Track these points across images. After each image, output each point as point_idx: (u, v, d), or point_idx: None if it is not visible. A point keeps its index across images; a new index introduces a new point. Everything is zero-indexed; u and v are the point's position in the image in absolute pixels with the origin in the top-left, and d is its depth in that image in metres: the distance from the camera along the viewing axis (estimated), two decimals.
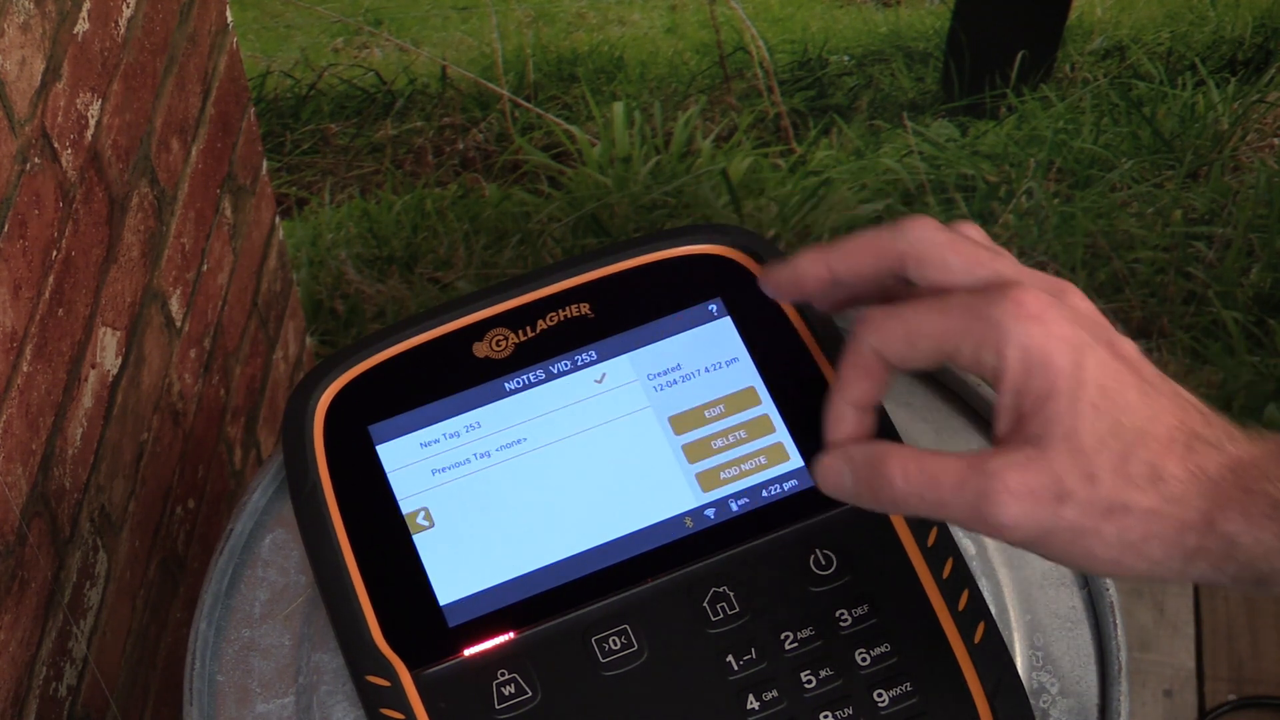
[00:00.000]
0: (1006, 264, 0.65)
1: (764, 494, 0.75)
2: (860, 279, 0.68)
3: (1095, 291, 1.46)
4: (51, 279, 0.97)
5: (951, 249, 0.66)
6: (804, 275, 0.69)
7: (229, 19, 1.28)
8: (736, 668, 0.71)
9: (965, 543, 0.79)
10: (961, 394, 0.86)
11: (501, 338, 0.79)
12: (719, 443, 0.77)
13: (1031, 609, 0.79)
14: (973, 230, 0.68)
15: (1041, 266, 1.45)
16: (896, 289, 0.69)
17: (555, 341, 0.78)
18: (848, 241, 0.68)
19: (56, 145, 0.97)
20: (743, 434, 0.77)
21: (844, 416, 0.69)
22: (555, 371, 0.78)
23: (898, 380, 0.87)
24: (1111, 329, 0.64)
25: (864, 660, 0.72)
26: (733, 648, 0.72)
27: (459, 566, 0.74)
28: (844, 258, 0.68)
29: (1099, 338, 0.63)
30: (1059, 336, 0.62)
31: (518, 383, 0.78)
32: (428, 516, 0.75)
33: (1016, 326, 0.62)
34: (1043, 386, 0.62)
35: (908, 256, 0.66)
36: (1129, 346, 0.64)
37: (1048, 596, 0.79)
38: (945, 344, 0.64)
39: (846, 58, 1.33)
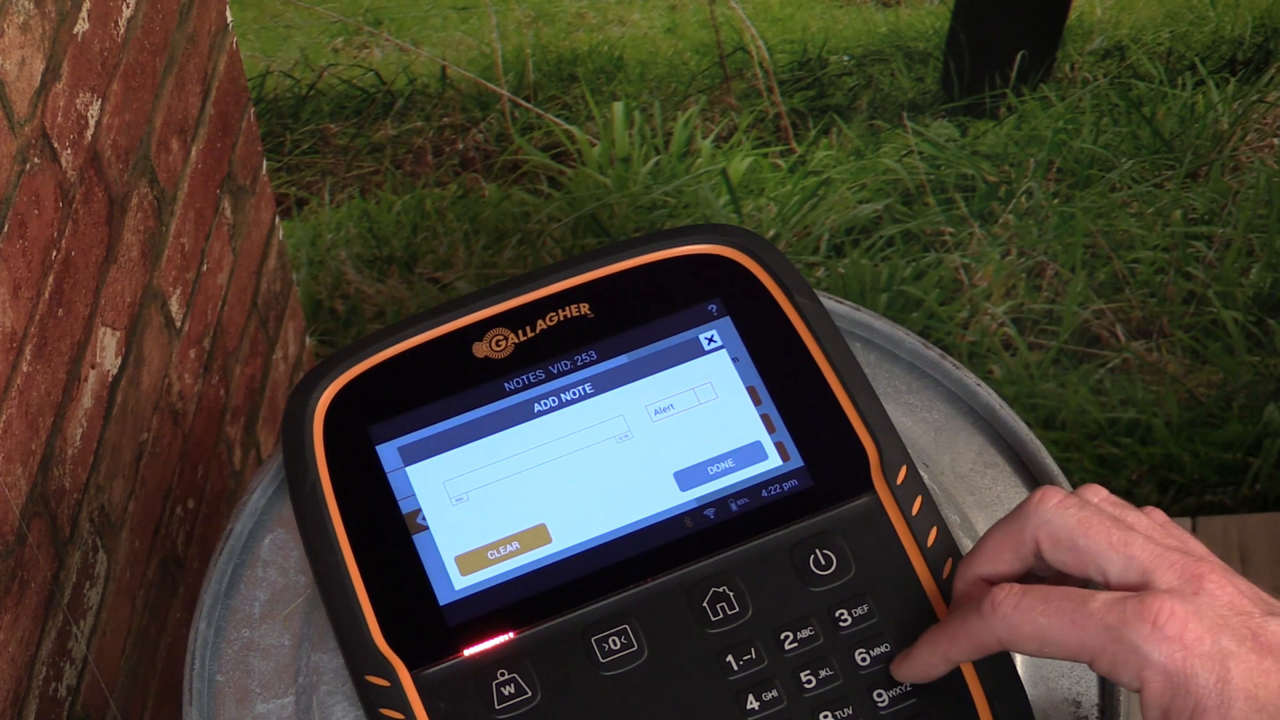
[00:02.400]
0: (1138, 545, 0.65)
1: (764, 494, 0.75)
2: (1004, 578, 0.69)
3: (1095, 291, 1.46)
4: (51, 279, 0.97)
5: (1082, 530, 0.66)
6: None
7: (229, 19, 1.28)
8: (736, 668, 0.71)
9: (965, 543, 0.79)
10: (962, 394, 0.86)
11: (501, 338, 0.79)
12: (719, 442, 0.77)
13: None
14: (1096, 494, 0.68)
15: (1041, 267, 1.45)
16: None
17: (555, 341, 0.78)
18: (984, 547, 0.69)
19: (56, 145, 0.97)
20: (743, 434, 0.77)
21: (934, 668, 0.70)
22: (555, 371, 0.78)
23: (897, 379, 0.87)
24: (1258, 609, 0.64)
25: (864, 660, 0.72)
26: (733, 648, 0.72)
27: (458, 566, 0.74)
28: (988, 563, 0.68)
29: (1242, 635, 0.63)
30: (1200, 654, 0.62)
31: (517, 383, 0.78)
32: (427, 516, 0.75)
33: (1155, 650, 0.62)
34: (1187, 705, 0.62)
35: (1040, 540, 0.67)
36: (1274, 630, 0.63)
37: None
38: (1079, 655, 0.64)
39: (846, 58, 1.33)
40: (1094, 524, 0.66)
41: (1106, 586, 0.65)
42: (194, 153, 1.20)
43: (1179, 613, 0.62)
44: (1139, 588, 0.64)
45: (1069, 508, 0.67)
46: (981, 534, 0.80)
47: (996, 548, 0.68)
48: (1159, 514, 0.69)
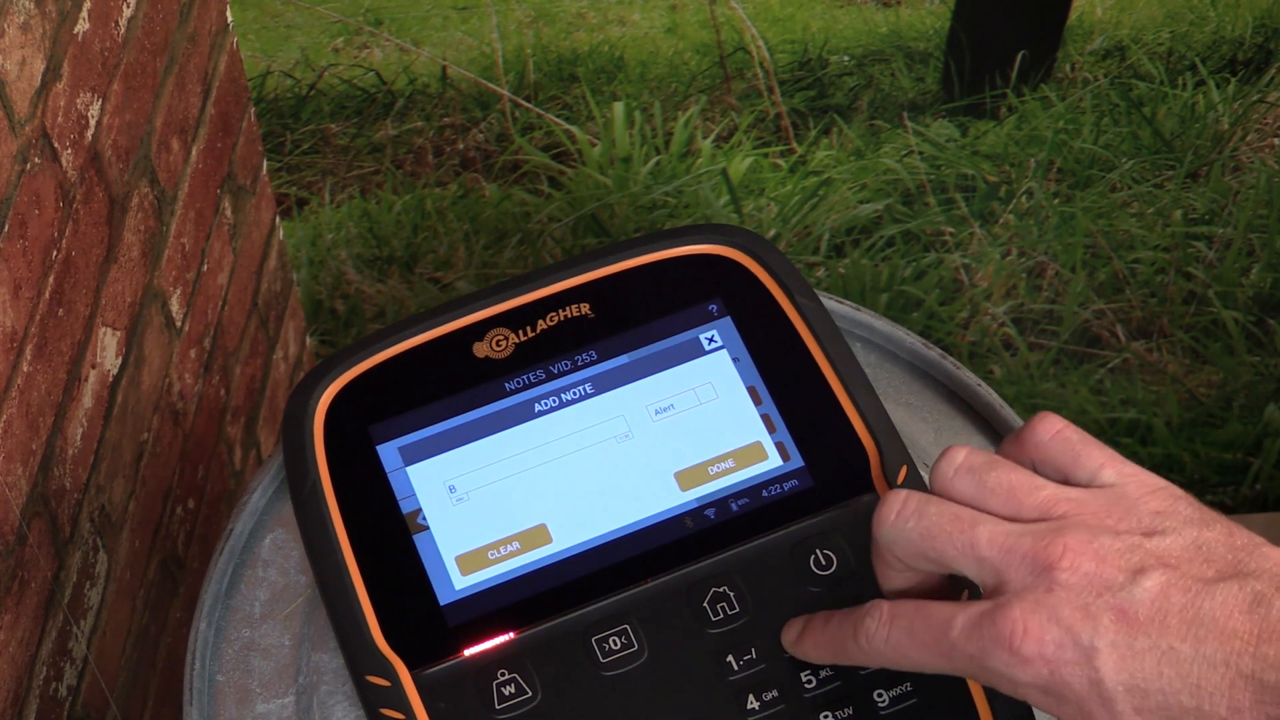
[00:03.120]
0: (984, 543, 0.62)
1: (764, 494, 0.75)
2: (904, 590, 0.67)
3: (1095, 291, 1.46)
4: (51, 279, 0.97)
5: (926, 540, 0.63)
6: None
7: (229, 19, 1.28)
8: (736, 668, 0.71)
9: None
10: (962, 394, 0.86)
11: (501, 338, 0.79)
12: (720, 442, 0.77)
13: None
14: (951, 464, 0.65)
15: (1042, 267, 1.45)
16: None
17: (555, 341, 0.78)
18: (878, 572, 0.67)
19: (56, 145, 0.97)
20: (744, 434, 0.77)
21: (819, 661, 0.69)
22: (555, 371, 0.78)
23: (897, 379, 0.87)
24: (1124, 570, 0.60)
25: None
26: (733, 648, 0.72)
27: (458, 566, 0.74)
28: (884, 584, 0.67)
29: (1106, 621, 0.59)
30: (1065, 662, 0.59)
31: (518, 383, 0.78)
32: (427, 516, 0.75)
33: (1020, 673, 0.60)
34: (1073, 710, 0.60)
35: (898, 559, 0.65)
36: (1142, 594, 0.60)
37: None
38: (958, 675, 0.63)
39: (846, 58, 1.33)
40: (936, 532, 0.63)
41: (971, 586, 0.63)
42: (194, 153, 1.20)
43: (1032, 626, 0.60)
44: (997, 589, 0.62)
45: (908, 520, 0.64)
46: None
47: (880, 573, 0.67)
48: (1048, 426, 0.65)
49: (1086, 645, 0.59)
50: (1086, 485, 0.64)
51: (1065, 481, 0.65)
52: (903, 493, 0.65)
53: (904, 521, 0.64)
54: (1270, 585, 0.59)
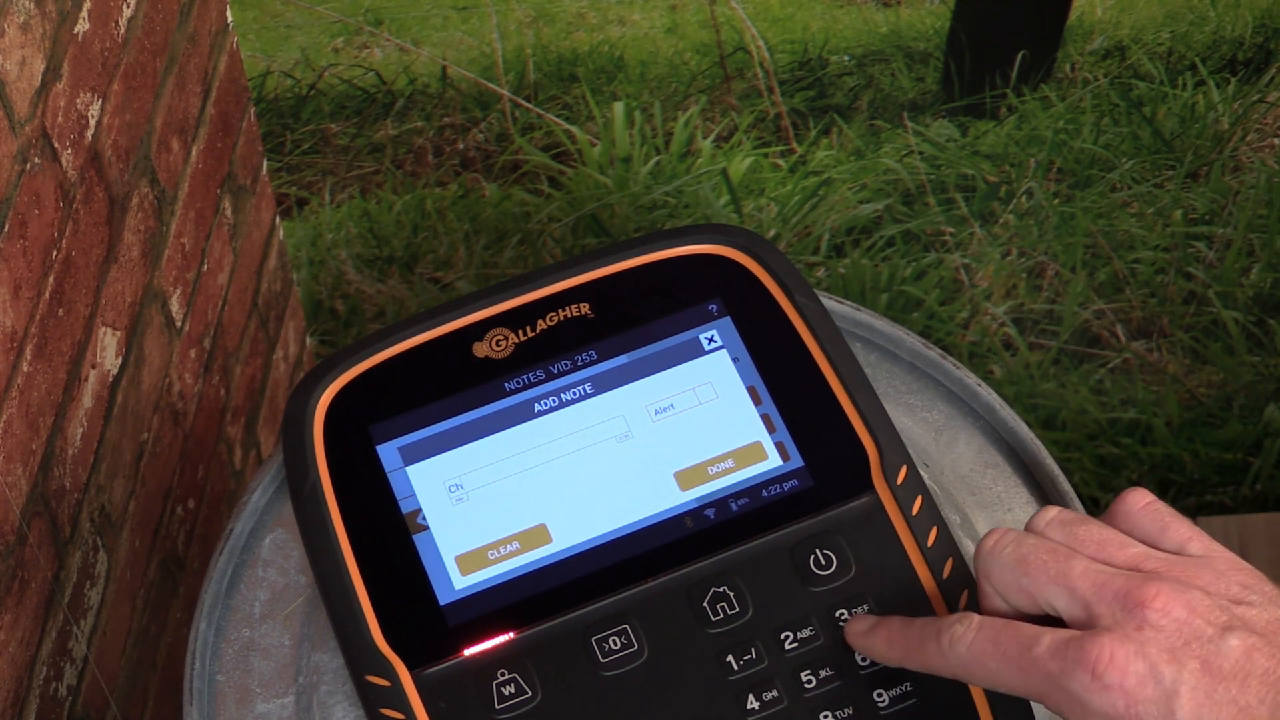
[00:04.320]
0: (1077, 576, 0.63)
1: (764, 494, 0.75)
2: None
3: (1095, 291, 1.46)
4: (51, 279, 0.97)
5: (1021, 569, 0.65)
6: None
7: (229, 19, 1.28)
8: (736, 668, 0.71)
9: (965, 543, 0.79)
10: (962, 394, 0.86)
11: (501, 338, 0.79)
12: (720, 442, 0.77)
13: None
14: (1044, 518, 0.66)
15: (1042, 267, 1.45)
16: None
17: (555, 341, 0.78)
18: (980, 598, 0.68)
19: (56, 145, 0.97)
20: (743, 434, 0.77)
21: (889, 662, 0.69)
22: (555, 371, 0.78)
23: (897, 379, 0.87)
24: (1213, 625, 0.61)
25: (864, 660, 0.72)
26: (733, 648, 0.72)
27: (458, 566, 0.74)
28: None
29: (1190, 667, 0.60)
30: (1143, 699, 0.60)
31: (517, 383, 0.78)
32: (427, 516, 0.75)
33: (1096, 699, 0.61)
34: None
35: (993, 589, 0.66)
36: (1229, 650, 0.61)
37: None
38: (1028, 696, 0.63)
39: (846, 58, 1.33)
40: (1031, 560, 0.65)
41: (1060, 619, 0.64)
42: (194, 153, 1.20)
43: (1119, 657, 0.61)
44: (1085, 623, 0.63)
45: (1005, 548, 0.65)
46: (981, 534, 0.80)
47: (983, 601, 0.68)
48: (1138, 499, 0.67)
49: (1168, 686, 0.60)
50: (1175, 554, 0.65)
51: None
52: (1002, 529, 0.67)
53: (1002, 549, 0.65)
54: None
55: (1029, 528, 0.67)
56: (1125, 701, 0.60)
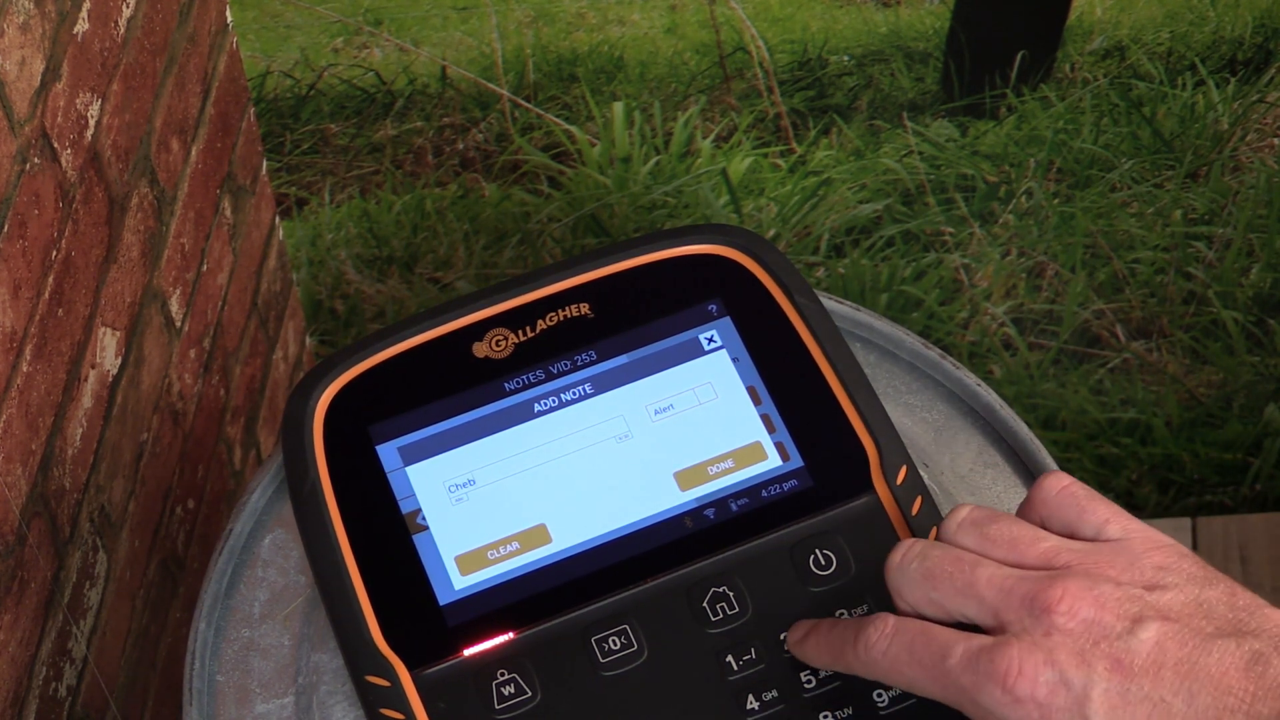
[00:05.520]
0: (983, 584, 0.62)
1: (764, 494, 0.75)
2: None
3: (1095, 291, 1.46)
4: (51, 279, 0.97)
5: (929, 583, 0.64)
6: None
7: (229, 19, 1.28)
8: (736, 668, 0.71)
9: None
10: (962, 394, 0.86)
11: (501, 338, 0.79)
12: (719, 442, 0.77)
13: None
14: (955, 518, 0.65)
15: (1041, 267, 1.45)
16: None
17: (555, 341, 0.78)
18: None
19: (56, 145, 0.97)
20: (743, 434, 0.77)
21: (819, 664, 0.69)
22: (555, 371, 0.78)
23: (897, 378, 0.87)
24: (1122, 620, 0.60)
25: None
26: (732, 648, 0.72)
27: (458, 566, 0.74)
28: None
29: (1101, 668, 0.59)
30: (1057, 708, 0.59)
31: (517, 383, 0.78)
32: (427, 516, 0.75)
33: (1010, 712, 0.60)
34: None
35: (907, 604, 0.65)
36: (1139, 645, 0.60)
37: None
38: (947, 704, 0.63)
39: (846, 58, 1.33)
40: (937, 573, 0.64)
41: (975, 627, 0.63)
42: (194, 153, 1.20)
43: (1027, 667, 0.60)
44: (997, 630, 0.62)
45: (911, 562, 0.65)
46: None
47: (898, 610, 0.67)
48: (1054, 484, 0.65)
49: (1079, 691, 0.59)
50: (1092, 540, 0.64)
51: (1071, 537, 0.65)
52: (909, 540, 0.66)
53: (908, 564, 0.65)
54: (1269, 645, 0.59)
55: (940, 533, 0.66)
56: (1039, 712, 0.60)
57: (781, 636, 0.72)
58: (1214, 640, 0.59)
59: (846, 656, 0.66)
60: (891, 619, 0.65)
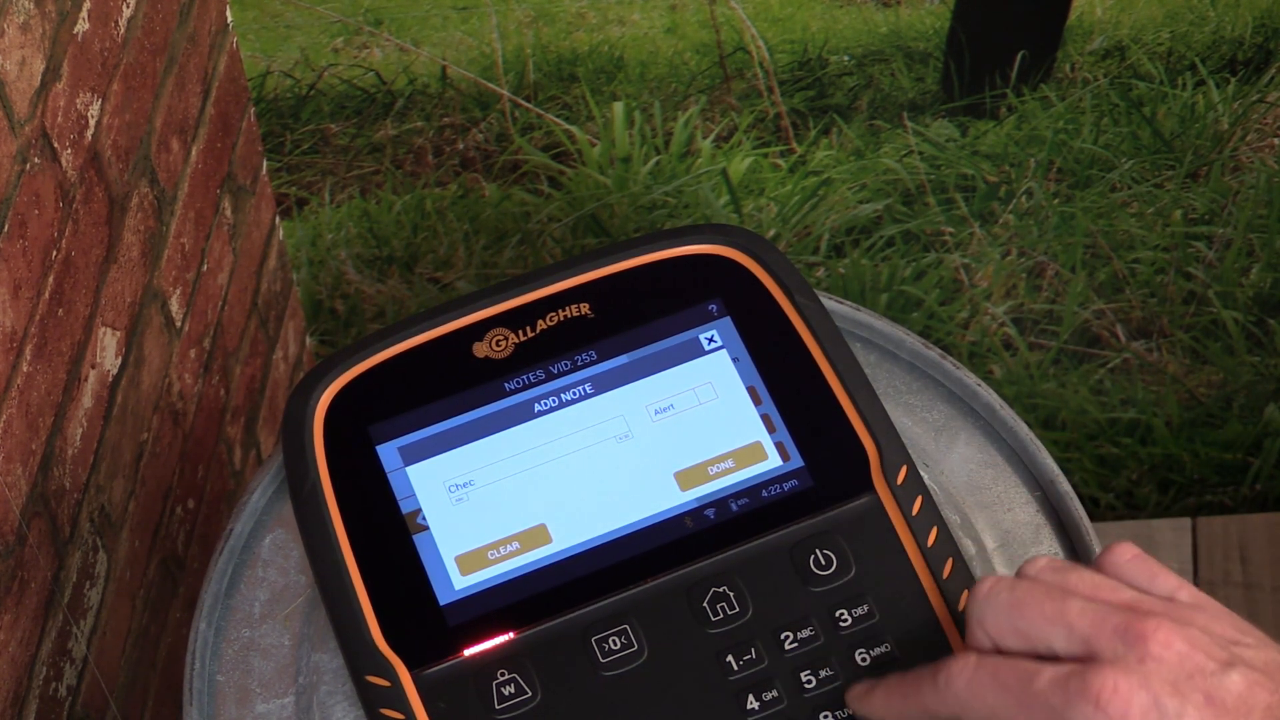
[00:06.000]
0: (1075, 613, 0.63)
1: (764, 494, 0.75)
2: None
3: (1095, 291, 1.46)
4: (51, 279, 0.97)
5: (1016, 611, 0.64)
6: None
7: (229, 19, 1.28)
8: (736, 668, 0.71)
9: (965, 543, 0.79)
10: (962, 394, 0.86)
11: (501, 338, 0.79)
12: (720, 442, 0.77)
13: None
14: (1034, 565, 0.66)
15: (1041, 267, 1.45)
16: None
17: (555, 341, 0.78)
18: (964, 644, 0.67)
19: (56, 145, 0.97)
20: (743, 434, 0.77)
21: (889, 717, 0.68)
22: (555, 371, 0.78)
23: (897, 378, 0.87)
24: (1214, 661, 0.61)
25: (864, 660, 0.72)
26: (733, 648, 0.72)
27: (458, 566, 0.74)
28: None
29: (1194, 700, 0.60)
30: None
31: (517, 383, 0.78)
32: (427, 516, 0.75)
33: None
34: None
35: (987, 633, 0.65)
36: (1230, 685, 0.60)
37: None
38: None
39: (846, 58, 1.33)
40: (1027, 601, 0.64)
41: (1057, 660, 0.63)
42: (194, 153, 1.20)
43: (1122, 688, 0.60)
44: (1085, 658, 0.62)
45: (1000, 592, 0.65)
46: (982, 534, 0.80)
47: (973, 647, 0.67)
48: (1124, 551, 0.66)
49: (1172, 718, 0.60)
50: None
51: None
52: (995, 575, 0.66)
53: (996, 594, 0.65)
54: None
55: (1019, 573, 0.66)
56: None
57: (783, 636, 0.72)
58: None
59: (924, 695, 0.65)
60: (973, 654, 0.64)
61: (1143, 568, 0.66)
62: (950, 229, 1.42)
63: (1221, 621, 0.63)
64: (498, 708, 0.71)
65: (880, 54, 1.33)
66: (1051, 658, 0.63)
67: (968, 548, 0.79)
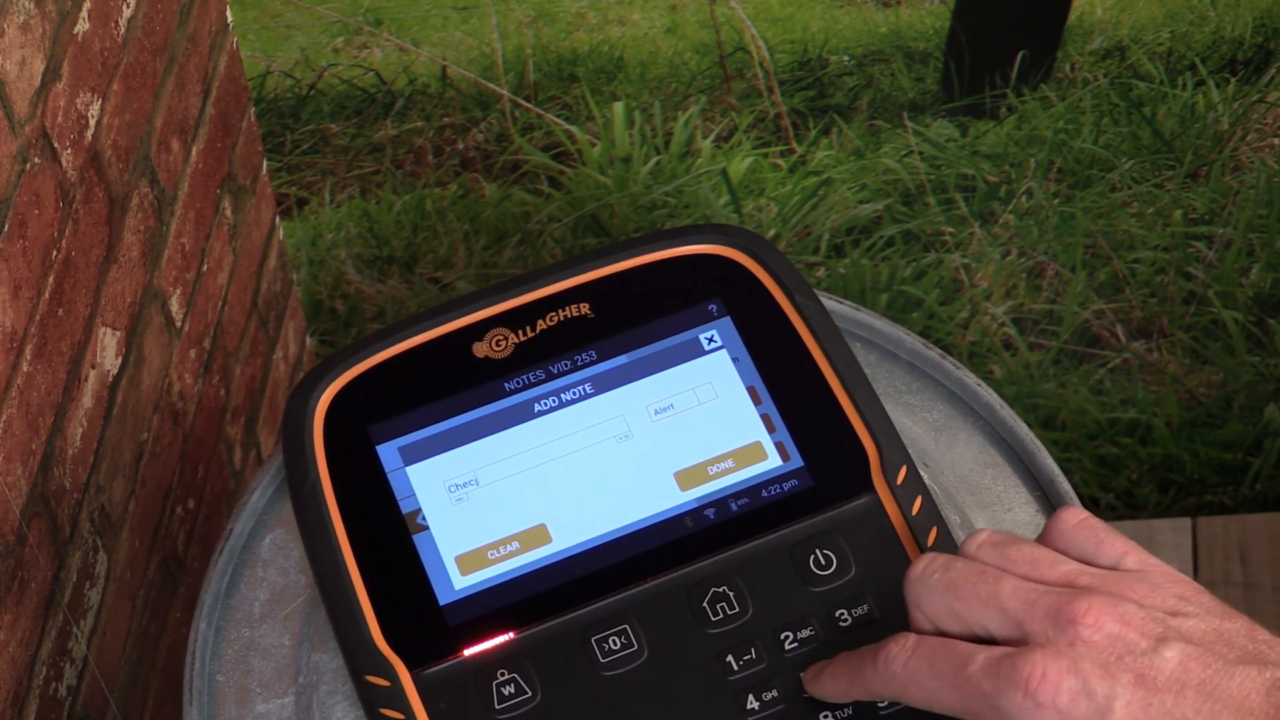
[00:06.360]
0: (1007, 595, 0.62)
1: (764, 494, 0.75)
2: None
3: (1095, 291, 1.46)
4: (51, 279, 0.97)
5: (951, 593, 0.64)
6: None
7: (229, 19, 1.28)
8: (736, 668, 0.71)
9: None
10: (962, 394, 0.86)
11: (501, 338, 0.79)
12: (719, 442, 0.77)
13: None
14: (975, 541, 0.66)
15: (1041, 267, 1.45)
16: None
17: (555, 341, 0.78)
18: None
19: (56, 145, 0.97)
20: (743, 434, 0.77)
21: (838, 697, 0.69)
22: (555, 371, 0.78)
23: (897, 378, 0.87)
24: (1147, 637, 0.60)
25: None
26: (733, 648, 0.72)
27: (458, 566, 0.74)
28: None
29: (1125, 680, 0.60)
30: (1077, 716, 0.59)
31: (517, 383, 0.78)
32: (427, 516, 0.75)
33: (1030, 717, 0.60)
34: None
35: (924, 615, 0.65)
36: (1163, 663, 0.60)
37: None
38: (966, 716, 0.62)
39: (846, 58, 1.33)
40: (961, 584, 0.64)
41: (994, 641, 0.63)
42: (194, 153, 1.20)
43: (1051, 674, 0.60)
44: (1019, 642, 0.62)
45: (934, 573, 0.65)
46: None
47: (915, 628, 0.67)
48: (1071, 516, 0.66)
49: (1102, 701, 0.59)
50: (1110, 569, 0.65)
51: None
52: (931, 553, 0.66)
53: (930, 575, 0.65)
54: None
55: (960, 552, 0.66)
56: (1059, 718, 0.60)
57: (783, 636, 0.72)
58: (1235, 666, 0.60)
59: (865, 676, 0.66)
60: (912, 636, 0.65)
61: (1088, 535, 0.65)
62: (950, 229, 1.42)
63: (1163, 590, 0.63)
64: (497, 708, 0.71)
65: (880, 54, 1.33)
66: (989, 638, 0.63)
67: None
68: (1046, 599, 0.62)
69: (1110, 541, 0.65)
